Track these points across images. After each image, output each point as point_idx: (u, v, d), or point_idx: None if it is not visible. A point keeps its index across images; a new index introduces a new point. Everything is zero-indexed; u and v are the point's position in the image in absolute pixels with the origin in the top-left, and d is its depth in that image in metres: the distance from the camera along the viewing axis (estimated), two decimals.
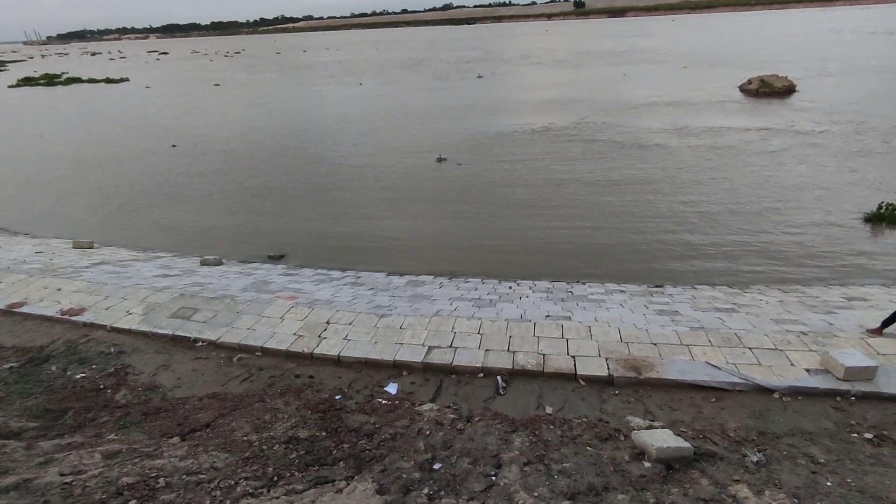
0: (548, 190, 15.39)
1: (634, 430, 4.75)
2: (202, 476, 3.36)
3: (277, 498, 3.14)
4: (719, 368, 5.70)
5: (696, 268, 10.68)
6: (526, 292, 9.09)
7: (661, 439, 4.21)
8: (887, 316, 6.38)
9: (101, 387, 5.73)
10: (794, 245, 11.27)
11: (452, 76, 46.22)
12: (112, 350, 6.61)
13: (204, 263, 11.27)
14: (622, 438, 4.58)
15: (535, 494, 3.49)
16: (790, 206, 13.28)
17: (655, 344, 6.25)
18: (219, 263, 11.44)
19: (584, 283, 9.93)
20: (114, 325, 7.14)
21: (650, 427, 4.84)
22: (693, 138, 20.07)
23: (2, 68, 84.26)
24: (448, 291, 9.06)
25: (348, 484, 3.48)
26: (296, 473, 3.58)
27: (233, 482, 3.33)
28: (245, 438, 4.24)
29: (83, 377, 5.95)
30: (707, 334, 6.45)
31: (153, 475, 3.30)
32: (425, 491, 3.49)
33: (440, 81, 42.96)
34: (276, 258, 12.36)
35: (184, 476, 3.33)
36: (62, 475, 3.23)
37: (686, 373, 5.67)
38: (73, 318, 7.38)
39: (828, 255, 10.81)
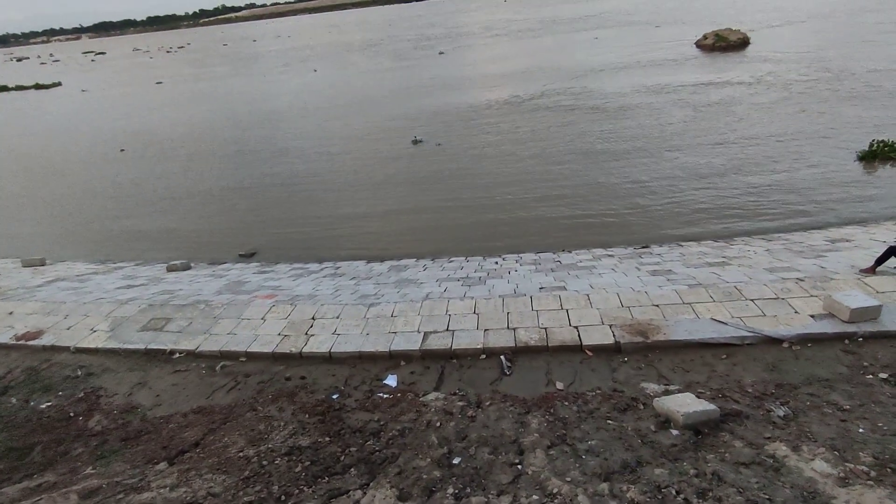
0: (527, 162, 15.09)
1: (652, 396, 4.57)
2: None
3: None
4: (726, 324, 5.57)
5: (678, 224, 10.64)
6: (514, 266, 8.83)
7: (684, 404, 4.01)
8: (879, 254, 6.37)
9: (72, 415, 5.21)
10: (780, 192, 11.33)
11: (413, 55, 45.07)
12: (79, 373, 6.04)
13: (171, 269, 10.59)
14: (641, 407, 4.39)
15: (568, 479, 3.24)
16: (764, 155, 13.37)
17: (657, 305, 6.08)
18: (187, 268, 10.78)
19: (569, 252, 9.74)
20: (78, 346, 6.55)
21: (667, 392, 4.67)
22: (654, 96, 20.05)
23: None
24: (434, 273, 8.71)
25: (365, 493, 3.15)
26: (304, 489, 3.23)
27: None
28: (241, 455, 3.85)
29: (49, 406, 5.40)
30: (707, 290, 6.32)
31: None
32: (450, 490, 3.19)
33: (401, 61, 41.85)
34: (247, 256, 11.75)
35: None
36: None
37: (693, 331, 5.51)
38: (31, 342, 6.74)
39: (819, 199, 10.90)
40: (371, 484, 3.30)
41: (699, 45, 29.16)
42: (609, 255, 9.12)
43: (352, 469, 3.54)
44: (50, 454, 4.44)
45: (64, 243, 13.68)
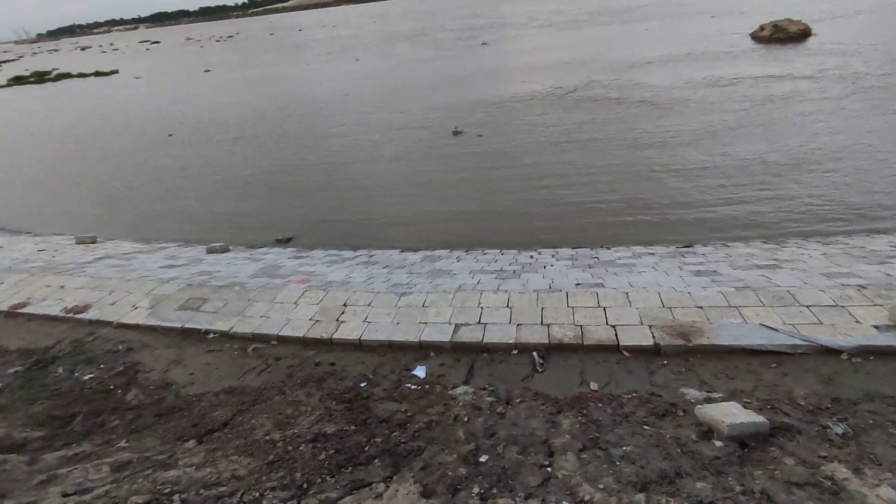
0: (568, 155, 14.70)
1: (693, 403, 4.32)
2: (222, 489, 2.97)
3: None
4: (777, 330, 5.21)
5: (725, 224, 10.12)
6: (549, 261, 8.60)
7: (730, 414, 3.75)
8: None
9: (111, 387, 5.37)
10: (843, 192, 10.62)
11: (456, 45, 44.68)
12: (120, 347, 6.24)
13: (210, 251, 10.85)
14: (681, 414, 4.14)
15: (601, 486, 3.06)
16: (826, 153, 12.54)
17: (701, 307, 5.76)
18: (225, 250, 11.02)
19: (608, 248, 9.42)
20: (120, 321, 6.76)
21: (709, 399, 4.40)
22: (707, 90, 19.15)
23: None
24: (467, 264, 8.58)
25: (387, 486, 3.07)
26: (327, 478, 3.18)
27: (258, 494, 2.93)
28: (267, 438, 3.84)
29: (91, 378, 5.58)
30: (756, 294, 5.95)
31: (166, 491, 2.92)
32: (476, 490, 3.07)
33: (443, 51, 41.57)
34: (284, 241, 11.93)
35: (201, 490, 2.94)
36: (65, 496, 2.85)
37: (740, 337, 5.18)
38: (78, 315, 7.01)
39: (886, 202, 10.16)
40: (395, 477, 3.22)
41: (755, 36, 27.67)
42: (650, 254, 8.76)
43: (376, 460, 3.47)
44: (89, 424, 4.58)
45: (113, 222, 14.26)
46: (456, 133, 17.97)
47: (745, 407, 4.00)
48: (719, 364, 4.96)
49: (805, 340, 5.02)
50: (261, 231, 12.53)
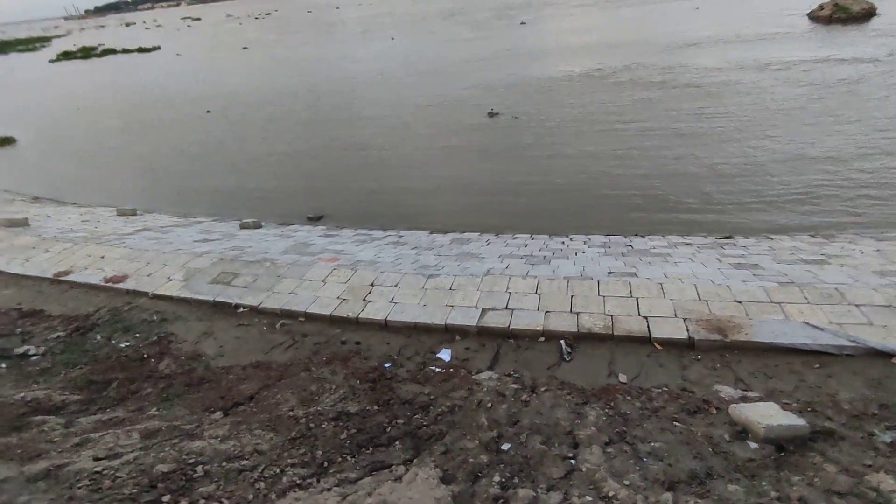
0: (606, 139, 14.26)
1: (727, 401, 4.14)
2: (245, 462, 3.00)
3: (329, 490, 2.74)
4: (822, 329, 4.93)
5: (769, 215, 9.65)
6: (581, 247, 8.39)
7: (767, 415, 3.57)
8: None
9: (145, 356, 5.53)
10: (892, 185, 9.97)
11: (493, 24, 43.75)
12: (155, 318, 6.42)
13: (243, 227, 11.05)
14: (714, 412, 3.97)
15: (626, 483, 2.96)
16: (890, 143, 11.75)
17: (740, 302, 5.50)
18: (258, 227, 11.20)
19: (642, 237, 9.13)
20: (155, 292, 6.96)
21: (745, 398, 4.21)
22: (759, 73, 18.17)
23: (46, 44, 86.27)
24: (496, 248, 8.46)
25: (407, 470, 3.05)
26: (348, 458, 3.18)
27: (278, 470, 2.96)
28: (291, 414, 3.88)
29: (127, 346, 5.77)
30: (801, 290, 5.63)
31: (191, 461, 2.97)
32: (496, 478, 3.01)
33: (480, 31, 40.75)
34: (315, 219, 12.05)
35: (224, 462, 2.98)
36: (96, 460, 2.94)
37: (781, 335, 4.93)
38: (117, 285, 7.25)
39: None
40: (415, 461, 3.19)
41: (814, 16, 26.03)
42: (686, 244, 8.44)
43: (397, 442, 3.46)
44: (123, 391, 4.73)
45: (153, 196, 14.70)
46: (491, 115, 17.65)
47: (783, 408, 3.81)
48: (757, 362, 4.74)
49: (853, 341, 4.73)
50: (292, 208, 12.68)
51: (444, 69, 26.73)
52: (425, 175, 13.72)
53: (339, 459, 3.15)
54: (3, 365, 5.35)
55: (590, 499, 2.79)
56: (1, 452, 3.14)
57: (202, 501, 2.59)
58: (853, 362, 4.60)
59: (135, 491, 2.63)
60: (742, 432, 3.57)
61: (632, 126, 14.94)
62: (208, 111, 23.57)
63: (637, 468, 3.14)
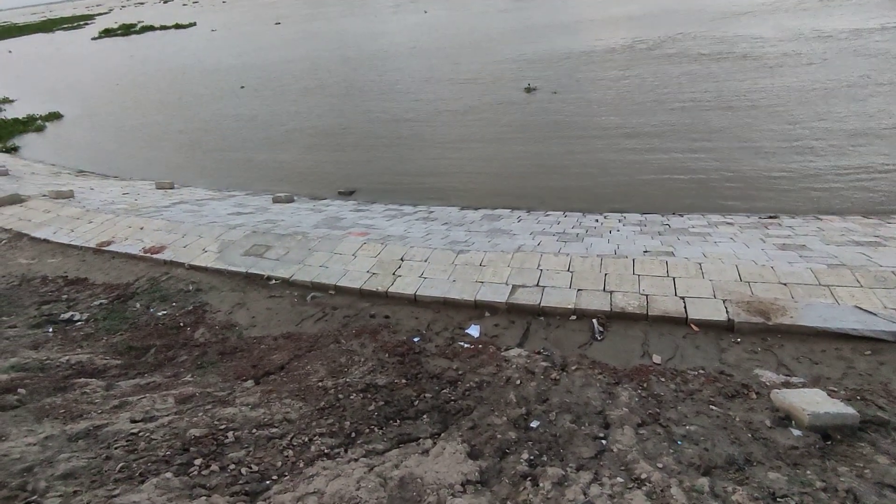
0: (648, 116, 13.71)
1: (768, 386, 3.96)
2: (274, 430, 3.04)
3: (356, 460, 2.75)
4: (875, 315, 4.64)
5: (818, 194, 9.12)
6: (615, 225, 8.14)
7: (813, 402, 3.39)
8: None
9: (181, 325, 5.69)
10: None
11: None
12: (191, 288, 6.58)
13: (276, 201, 11.18)
14: (754, 397, 3.81)
15: (660, 466, 2.86)
16: None
17: (785, 284, 5.22)
18: (290, 200, 11.32)
19: (680, 216, 8.79)
20: (191, 263, 7.12)
21: (787, 384, 4.02)
22: (821, 43, 17.02)
23: (90, 21, 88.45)
24: (528, 225, 8.30)
25: (435, 443, 3.03)
26: (375, 429, 3.18)
27: (307, 438, 2.98)
28: (320, 384, 3.91)
29: (165, 314, 5.94)
30: (853, 273, 5.31)
31: (222, 427, 3.03)
32: (525, 456, 2.96)
33: (517, 1, 39.58)
34: (346, 194, 12.08)
35: (254, 429, 3.03)
36: (133, 422, 3.03)
37: (829, 319, 4.67)
38: (155, 255, 7.45)
39: None
40: (442, 435, 3.17)
41: None
42: (728, 223, 8.08)
43: (424, 416, 3.44)
44: (161, 357, 4.88)
45: (190, 169, 15.00)
46: (528, 90, 17.17)
47: (830, 395, 3.61)
48: (802, 347, 4.51)
49: None
50: (324, 183, 12.74)
51: (479, 42, 26.12)
52: (458, 150, 13.53)
53: (367, 431, 3.15)
54: (50, 329, 5.59)
55: (621, 480, 2.71)
56: (46, 412, 3.28)
57: (232, 466, 2.64)
58: None
59: (168, 453, 2.70)
60: (785, 419, 3.41)
61: (676, 102, 14.30)
62: (242, 87, 23.79)
63: (671, 451, 3.04)
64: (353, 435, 3.10)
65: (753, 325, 4.74)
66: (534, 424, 3.36)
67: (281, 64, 27.98)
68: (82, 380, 3.88)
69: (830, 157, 10.18)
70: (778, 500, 2.55)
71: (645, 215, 8.82)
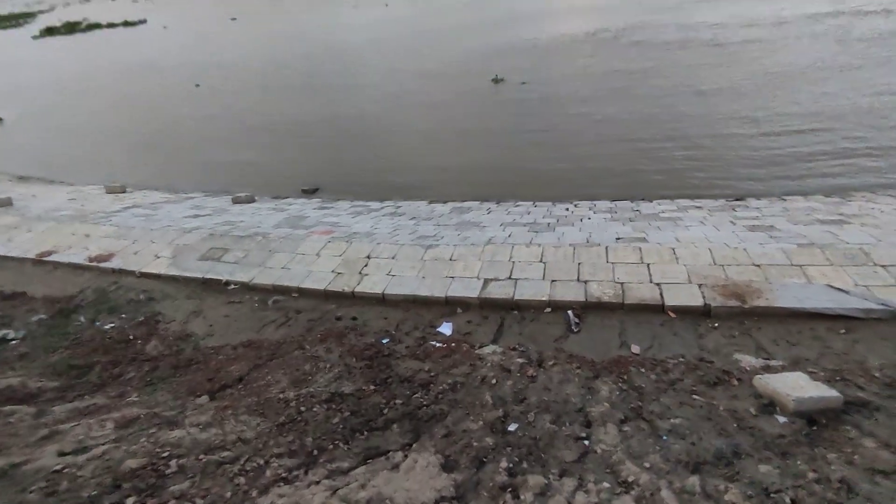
0: (615, 104, 13.67)
1: (748, 371, 3.86)
2: (225, 454, 2.73)
3: (318, 483, 2.47)
4: (847, 292, 4.62)
5: (779, 177, 9.24)
6: (586, 213, 8.03)
7: (796, 386, 3.28)
8: None
9: (131, 337, 5.26)
10: None
11: None
12: (142, 297, 6.13)
13: (236, 201, 10.68)
14: (735, 383, 3.70)
15: (647, 466, 2.69)
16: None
17: (759, 266, 5.17)
18: (251, 201, 10.83)
19: (650, 202, 8.75)
20: (143, 271, 6.65)
21: (767, 368, 3.93)
22: (775, 29, 17.38)
23: (30, 20, 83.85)
24: (498, 217, 8.10)
25: (406, 456, 2.78)
26: (340, 444, 2.91)
27: (262, 461, 2.69)
28: (281, 397, 3.61)
29: (112, 327, 5.50)
30: (822, 252, 5.30)
31: (165, 454, 2.70)
32: (503, 464, 2.75)
33: None
34: (310, 192, 11.66)
35: (202, 455, 2.72)
36: (61, 455, 2.68)
37: (804, 299, 4.62)
38: (102, 264, 6.94)
39: None
40: (414, 445, 2.93)
41: None
42: (697, 207, 8.07)
43: (394, 425, 3.19)
44: (105, 375, 4.47)
45: (144, 172, 14.23)
46: (496, 81, 16.94)
47: (812, 378, 3.52)
48: (779, 328, 4.45)
49: (881, 304, 4.42)
50: (287, 181, 12.27)
51: (443, 35, 25.80)
52: (425, 145, 13.24)
53: (331, 447, 2.88)
54: None
55: (607, 485, 2.52)
56: None
57: (172, 502, 2.33)
58: (881, 326, 4.30)
59: (95, 493, 2.36)
60: (769, 405, 3.30)
61: (642, 89, 14.34)
62: (197, 85, 22.84)
63: (657, 448, 2.87)
64: (316, 453, 2.82)
65: (730, 309, 4.65)
66: (512, 427, 3.15)
67: (238, 61, 27.03)
68: (9, 407, 3.46)
69: (792, 139, 10.35)
70: (772, 495, 2.41)
71: (615, 202, 8.74)
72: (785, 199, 8.25)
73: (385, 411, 3.42)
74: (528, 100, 14.99)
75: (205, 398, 3.69)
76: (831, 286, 4.74)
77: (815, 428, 3.06)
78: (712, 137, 11.00)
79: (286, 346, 4.86)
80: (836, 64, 13.64)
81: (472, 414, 3.41)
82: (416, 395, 3.76)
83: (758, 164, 9.75)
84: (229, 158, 14.38)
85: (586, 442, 2.96)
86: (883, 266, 4.91)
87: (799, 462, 2.68)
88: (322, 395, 3.57)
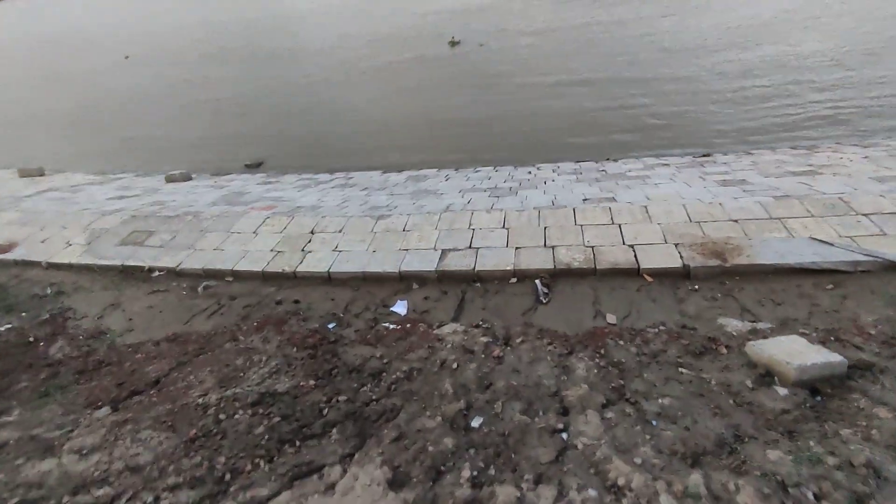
0: (576, 62, 13.11)
1: (735, 336, 3.47)
2: (101, 491, 2.11)
3: None
4: (831, 244, 4.28)
5: (743, 132, 8.98)
6: (550, 176, 7.54)
7: (794, 352, 2.89)
8: None
9: (31, 339, 4.47)
10: (859, 93, 9.39)
11: None
12: (48, 291, 5.29)
13: (170, 180, 9.69)
14: (724, 351, 3.30)
15: (638, 462, 2.23)
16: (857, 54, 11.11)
17: (736, 221, 4.80)
18: (187, 178, 9.86)
19: (615, 161, 8.34)
20: (50, 261, 5.77)
21: (754, 331, 3.55)
22: None
23: None
24: (457, 183, 7.51)
25: (345, 471, 2.23)
26: (261, 463, 2.33)
27: (151, 498, 2.09)
28: (201, 402, 2.99)
29: (9, 329, 4.67)
30: (801, 203, 4.97)
31: (15, 501, 2.07)
32: (466, 472, 2.24)
33: None
34: (254, 166, 10.76)
35: (66, 498, 2.09)
36: None
37: (787, 253, 4.26)
38: (2, 256, 6.00)
39: None
40: (356, 456, 2.38)
41: None
42: (664, 165, 7.70)
43: (334, 430, 2.62)
44: None
45: (67, 154, 12.90)
46: (453, 44, 16.07)
47: (809, 342, 3.15)
48: (763, 287, 4.07)
49: (868, 255, 4.11)
50: (230, 157, 11.30)
51: None
52: (379, 113, 12.42)
53: (249, 467, 2.30)
54: None
55: (594, 493, 2.05)
56: None
57: None
58: (869, 279, 3.99)
59: None
60: (766, 375, 2.89)
61: (603, 47, 13.85)
62: (127, 57, 20.97)
63: (647, 437, 2.42)
64: (228, 477, 2.23)
65: (710, 269, 4.25)
66: (476, 423, 2.64)
67: (173, 30, 24.99)
68: None
69: (757, 92, 10.09)
70: (790, 490, 1.98)
71: (579, 163, 8.29)
72: (752, 154, 7.98)
73: (325, 412, 2.85)
74: (487, 62, 14.28)
75: (105, 410, 3.02)
76: (814, 238, 4.39)
77: (819, 399, 2.68)
78: (677, 94, 10.66)
79: (217, 339, 4.20)
80: (800, 16, 13.46)
81: (430, 408, 2.89)
82: (365, 388, 3.21)
83: (723, 119, 9.47)
84: (166, 134, 13.20)
85: (564, 435, 2.48)
86: (865, 215, 4.60)
87: (812, 443, 2.28)
88: (249, 396, 2.97)
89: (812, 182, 5.75)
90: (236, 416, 2.72)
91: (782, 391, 2.74)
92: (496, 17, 18.03)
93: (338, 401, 3.01)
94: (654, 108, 10.16)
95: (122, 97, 16.34)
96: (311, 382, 3.27)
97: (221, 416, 2.73)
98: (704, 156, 8.11)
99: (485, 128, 10.65)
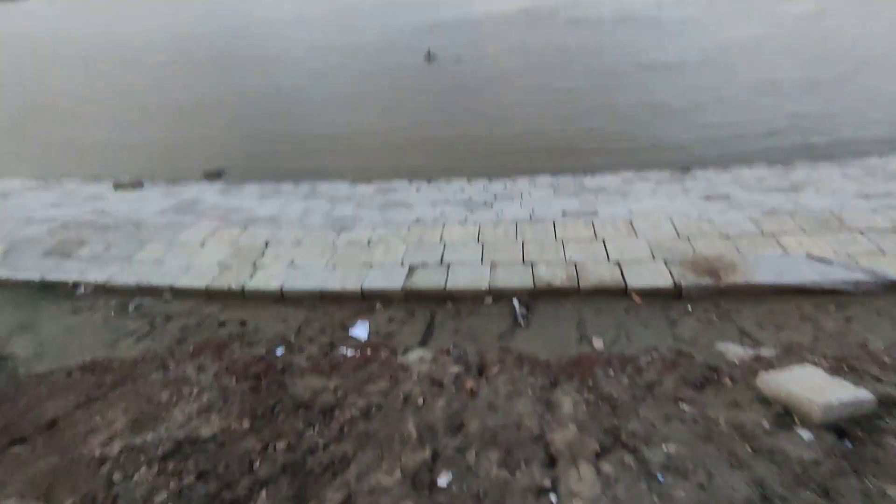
0: (553, 79, 12.91)
1: (737, 365, 3.07)
2: None
3: None
4: (830, 262, 3.97)
5: (722, 149, 8.85)
6: (526, 188, 7.14)
7: (816, 387, 2.49)
8: None
9: None
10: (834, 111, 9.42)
11: None
12: None
13: (118, 187, 8.91)
14: (728, 383, 2.88)
15: None
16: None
17: (728, 236, 4.46)
18: (138, 186, 9.09)
19: (592, 175, 8.04)
20: None
21: (757, 358, 3.16)
22: (701, 8, 17.37)
23: None
24: (428, 195, 7.04)
25: None
26: None
27: None
28: (97, 454, 2.39)
29: None
30: (792, 218, 4.69)
31: None
32: None
33: None
34: (214, 175, 10.04)
35: None
36: None
37: (784, 273, 3.92)
38: None
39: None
40: None
41: None
42: (643, 180, 7.41)
43: (264, 491, 2.07)
44: None
45: (7, 159, 11.93)
46: (429, 58, 15.74)
47: (829, 373, 2.76)
48: (761, 308, 3.71)
49: (870, 274, 3.80)
50: (191, 164, 10.57)
51: (369, 9, 24.18)
52: (350, 123, 11.92)
53: None
54: None
55: None
56: None
57: None
58: (873, 300, 3.67)
59: None
60: (783, 415, 2.48)
61: (579, 65, 13.74)
62: (86, 63, 19.97)
63: (656, 500, 1.94)
64: None
65: (704, 289, 3.87)
66: (443, 481, 2.13)
67: (135, 36, 24.09)
68: None
69: (730, 111, 10.05)
70: None
71: (556, 176, 7.95)
72: (729, 170, 7.78)
73: (256, 465, 2.29)
74: (464, 76, 14.01)
75: None
76: (812, 256, 4.08)
77: (849, 444, 2.26)
78: (651, 110, 10.53)
79: (143, 367, 3.57)
80: (769, 37, 13.68)
81: (388, 457, 2.36)
82: (311, 431, 2.66)
83: (701, 137, 9.33)
84: (121, 140, 12.37)
85: (553, 498, 1.99)
86: (861, 232, 4.32)
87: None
88: (162, 445, 2.38)
89: (798, 197, 5.51)
90: (135, 477, 2.13)
91: (806, 435, 2.32)
92: (472, 34, 17.92)
93: (275, 449, 2.46)
94: (630, 125, 9.99)
95: (76, 101, 15.41)
96: (246, 424, 2.70)
97: (116, 476, 2.14)
98: (684, 171, 7.90)
99: (460, 141, 10.29)
